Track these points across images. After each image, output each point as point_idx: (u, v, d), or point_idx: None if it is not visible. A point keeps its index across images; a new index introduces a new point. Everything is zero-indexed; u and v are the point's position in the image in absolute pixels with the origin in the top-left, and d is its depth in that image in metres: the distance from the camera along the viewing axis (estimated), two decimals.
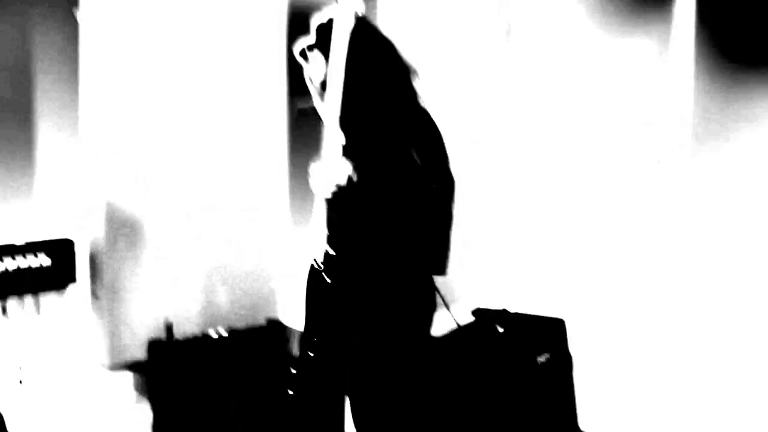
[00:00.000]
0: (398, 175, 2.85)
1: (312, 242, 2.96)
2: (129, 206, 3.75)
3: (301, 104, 3.22)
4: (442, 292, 3.24)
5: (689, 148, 4.25)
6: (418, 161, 2.85)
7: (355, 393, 3.17)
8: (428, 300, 3.13)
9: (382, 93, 3.04)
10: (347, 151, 2.93)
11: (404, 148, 2.87)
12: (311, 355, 3.01)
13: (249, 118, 4.10)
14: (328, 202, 2.92)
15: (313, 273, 2.95)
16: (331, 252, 2.95)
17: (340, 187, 2.86)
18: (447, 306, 3.43)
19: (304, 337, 3.01)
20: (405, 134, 2.93)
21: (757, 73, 4.20)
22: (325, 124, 2.99)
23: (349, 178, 2.84)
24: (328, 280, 2.93)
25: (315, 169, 2.90)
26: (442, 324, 4.14)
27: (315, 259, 2.94)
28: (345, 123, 2.96)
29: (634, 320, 4.55)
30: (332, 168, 2.86)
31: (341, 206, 2.93)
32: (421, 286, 3.10)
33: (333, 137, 2.93)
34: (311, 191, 2.95)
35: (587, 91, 4.73)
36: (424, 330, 3.15)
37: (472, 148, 4.96)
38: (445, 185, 3.00)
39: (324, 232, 2.95)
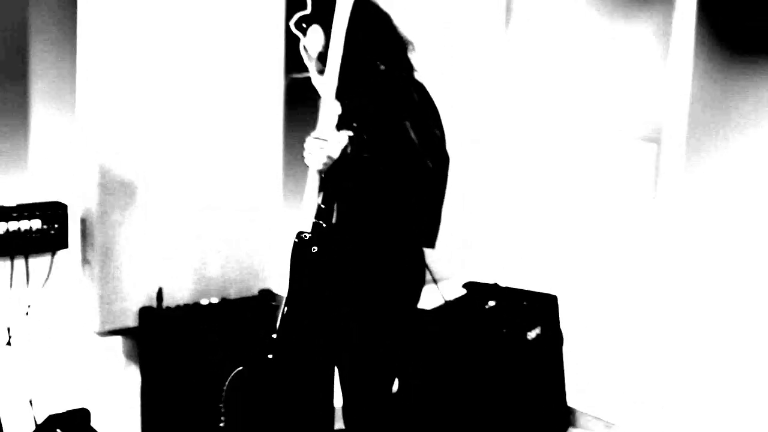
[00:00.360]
0: (393, 148, 2.84)
1: (303, 213, 2.96)
2: (123, 173, 3.74)
3: (295, 75, 3.21)
4: (435, 266, 3.25)
5: (686, 134, 4.24)
6: (413, 136, 2.85)
7: (344, 363, 3.19)
8: (418, 273, 3.14)
9: (378, 65, 3.04)
10: (343, 124, 2.93)
11: (399, 122, 2.87)
12: (292, 324, 3.02)
13: (244, 89, 4.08)
14: (322, 173, 2.91)
15: (299, 244, 2.95)
16: (322, 224, 2.95)
17: (334, 160, 2.85)
18: (435, 280, 3.43)
19: (287, 304, 3.01)
20: (401, 107, 2.93)
21: (760, 62, 4.18)
22: (321, 95, 2.99)
23: (344, 151, 2.83)
24: (314, 249, 2.92)
25: (310, 141, 2.90)
26: (432, 297, 4.15)
27: (301, 230, 2.94)
28: (341, 95, 2.96)
29: (626, 301, 4.56)
30: (327, 141, 2.85)
31: (335, 178, 2.93)
32: (412, 259, 3.11)
33: (329, 109, 2.92)
34: (305, 163, 2.95)
35: (585, 76, 4.71)
36: (411, 303, 3.17)
37: (469, 128, 4.94)
38: (440, 162, 2.99)
39: (316, 203, 2.95)
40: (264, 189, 4.17)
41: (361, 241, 3.00)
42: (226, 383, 3.19)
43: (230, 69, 4.02)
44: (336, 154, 2.84)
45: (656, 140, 4.42)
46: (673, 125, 4.25)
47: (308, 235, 2.93)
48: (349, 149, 2.83)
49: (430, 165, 2.86)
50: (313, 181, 2.94)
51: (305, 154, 2.91)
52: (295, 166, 3.17)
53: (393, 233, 3.01)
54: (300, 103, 3.34)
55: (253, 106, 4.11)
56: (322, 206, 2.96)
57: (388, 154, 2.83)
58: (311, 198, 2.96)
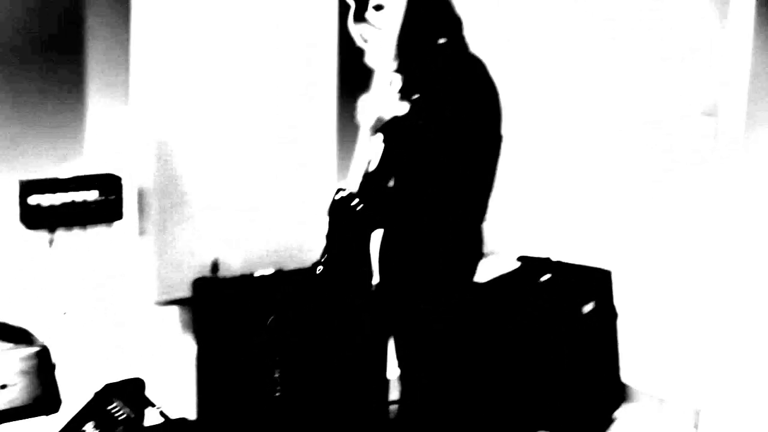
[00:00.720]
0: (447, 119, 2.83)
1: (351, 170, 2.96)
2: (179, 145, 3.76)
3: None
4: (488, 239, 3.24)
5: (745, 108, 4.16)
6: (468, 110, 2.83)
7: (399, 334, 3.19)
8: (475, 246, 3.13)
9: (438, 40, 3.03)
10: (403, 96, 2.92)
11: (455, 96, 2.85)
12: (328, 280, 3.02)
13: (297, 65, 4.07)
14: (373, 133, 2.92)
15: (341, 198, 2.95)
16: (370, 183, 2.95)
17: (385, 121, 2.85)
18: (490, 253, 3.43)
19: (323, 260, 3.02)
20: (458, 82, 2.90)
21: None
22: (375, 69, 2.99)
23: (402, 117, 2.83)
24: (358, 205, 2.92)
25: (363, 99, 2.90)
26: (486, 271, 4.14)
27: (342, 186, 2.95)
28: (402, 68, 2.95)
29: (681, 277, 4.52)
30: (380, 100, 2.85)
31: (389, 142, 2.94)
32: (470, 231, 3.10)
33: (385, 71, 2.92)
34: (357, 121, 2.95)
35: (639, 49, 4.64)
36: (468, 276, 3.16)
37: (522, 99, 4.91)
38: (492, 138, 2.96)
39: (366, 163, 2.95)
40: (319, 162, 4.17)
41: (418, 211, 3.00)
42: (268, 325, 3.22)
43: (284, 40, 4.01)
44: (388, 115, 2.83)
45: (714, 114, 4.35)
46: (731, 98, 4.17)
47: (351, 191, 2.93)
48: (407, 116, 2.84)
49: (482, 139, 2.84)
50: (363, 140, 2.95)
51: (357, 111, 2.92)
52: (350, 140, 3.17)
53: (444, 205, 3.00)
54: (356, 75, 3.33)
55: (306, 79, 4.10)
56: (373, 167, 2.96)
57: (441, 124, 2.82)
58: (361, 157, 2.96)
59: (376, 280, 3.09)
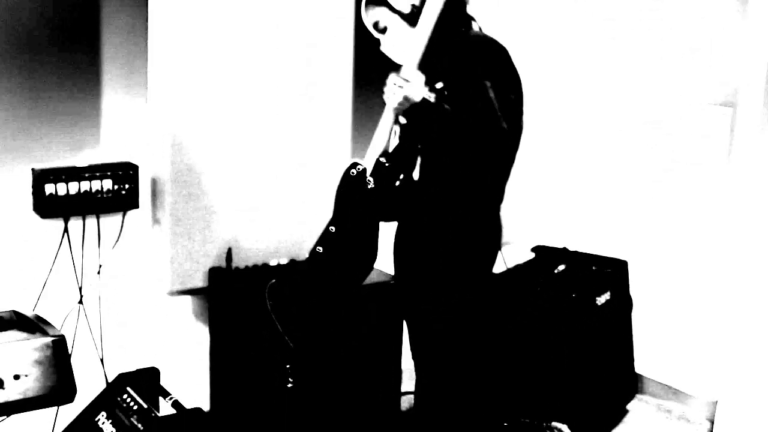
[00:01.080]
0: (472, 104, 2.80)
1: (369, 149, 2.95)
2: (194, 134, 3.74)
3: None
4: (504, 230, 3.22)
5: (763, 97, 4.12)
6: (493, 96, 2.81)
7: (415, 325, 3.18)
8: (495, 236, 3.12)
9: (461, 28, 3.02)
10: (428, 84, 2.90)
11: (481, 81, 2.83)
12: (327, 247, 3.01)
13: (313, 54, 4.05)
14: (397, 114, 2.90)
15: (354, 174, 2.94)
16: (385, 163, 2.93)
17: (412, 102, 2.83)
18: (506, 244, 3.41)
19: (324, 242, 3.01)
20: (484, 67, 2.88)
21: None
22: (398, 62, 2.97)
23: (428, 101, 2.81)
24: (370, 183, 2.91)
25: (392, 79, 2.88)
26: (502, 261, 4.12)
27: (356, 162, 2.94)
28: (426, 56, 2.93)
29: (697, 267, 4.49)
30: (409, 81, 2.83)
31: (414, 126, 2.92)
32: (490, 220, 3.08)
33: (415, 55, 2.90)
34: (383, 99, 2.94)
35: (655, 38, 4.61)
36: (488, 266, 3.15)
37: (540, 91, 4.88)
38: (513, 127, 2.94)
39: (384, 142, 2.94)
40: (334, 153, 4.15)
41: (440, 199, 2.98)
42: (266, 294, 3.21)
43: (300, 30, 3.99)
44: (416, 97, 2.82)
45: (731, 104, 4.32)
46: (750, 88, 4.14)
47: (364, 168, 2.92)
48: (433, 99, 2.82)
49: (506, 127, 2.81)
50: (386, 119, 2.93)
51: (385, 90, 2.90)
52: (366, 130, 3.15)
53: (465, 193, 2.98)
54: (370, 63, 3.31)
55: (322, 69, 4.08)
56: (393, 149, 2.95)
57: (467, 109, 2.80)
58: (381, 136, 2.95)
59: (378, 263, 3.09)
